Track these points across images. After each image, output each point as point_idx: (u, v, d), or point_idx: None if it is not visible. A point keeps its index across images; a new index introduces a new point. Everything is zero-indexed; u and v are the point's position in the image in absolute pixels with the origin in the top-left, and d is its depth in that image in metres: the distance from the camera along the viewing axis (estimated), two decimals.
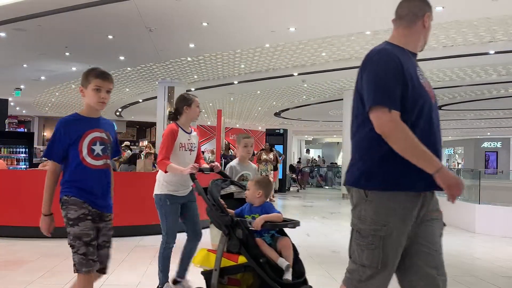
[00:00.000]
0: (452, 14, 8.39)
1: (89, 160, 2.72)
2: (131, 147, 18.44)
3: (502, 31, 9.34)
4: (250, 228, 2.97)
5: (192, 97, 4.01)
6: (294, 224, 3.03)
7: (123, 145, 18.75)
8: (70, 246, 2.74)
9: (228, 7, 8.50)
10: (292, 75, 13.88)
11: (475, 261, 6.20)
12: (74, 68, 14.06)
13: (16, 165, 11.02)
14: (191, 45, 11.04)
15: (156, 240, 6.59)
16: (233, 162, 4.01)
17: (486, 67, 12.20)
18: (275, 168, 14.27)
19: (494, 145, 35.20)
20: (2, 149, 11.12)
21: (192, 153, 3.98)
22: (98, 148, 2.75)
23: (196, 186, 3.40)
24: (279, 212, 3.14)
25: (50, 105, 22.75)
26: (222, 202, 3.19)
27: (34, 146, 13.69)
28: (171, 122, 4.02)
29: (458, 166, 36.24)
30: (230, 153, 13.42)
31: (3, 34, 10.50)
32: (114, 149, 2.93)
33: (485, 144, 35.28)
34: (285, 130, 20.59)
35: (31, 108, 24.24)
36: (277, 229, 3.16)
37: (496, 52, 10.49)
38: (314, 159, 32.44)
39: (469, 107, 19.46)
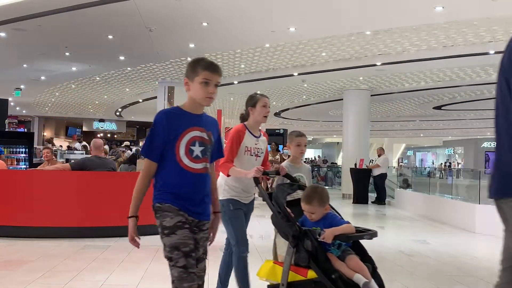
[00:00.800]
0: (452, 14, 8.39)
1: (186, 162, 2.37)
2: (131, 147, 18.43)
3: (502, 31, 9.33)
4: (319, 240, 2.67)
5: (257, 97, 3.63)
6: (371, 235, 2.72)
7: (123, 145, 18.79)
8: (167, 259, 2.38)
9: (228, 7, 8.50)
10: (292, 75, 13.87)
11: (475, 261, 6.18)
12: (74, 68, 14.06)
13: (16, 165, 11.02)
14: (191, 45, 11.03)
15: (156, 240, 6.60)
16: (284, 163, 3.66)
17: (486, 67, 12.19)
18: None
19: (494, 145, 35.18)
20: (2, 149, 11.11)
21: (258, 159, 3.58)
22: (197, 150, 2.40)
23: (260, 191, 3.11)
24: (348, 222, 2.82)
25: (50, 105, 22.75)
26: (289, 210, 2.89)
27: (34, 146, 13.68)
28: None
29: (458, 166, 36.25)
30: None
31: (3, 34, 10.50)
32: (215, 151, 2.55)
33: (485, 144, 35.25)
34: (285, 130, 20.58)
35: (31, 108, 24.24)
36: (351, 242, 2.82)
37: (496, 52, 10.48)
38: (314, 158, 32.43)
39: (469, 107, 19.46)
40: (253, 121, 3.63)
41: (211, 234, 2.58)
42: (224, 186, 3.47)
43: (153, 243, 6.35)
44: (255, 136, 3.60)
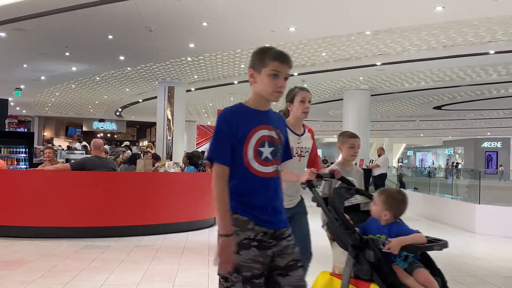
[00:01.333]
0: (452, 14, 8.39)
1: (255, 165, 2.11)
2: (131, 147, 18.43)
3: (502, 31, 9.33)
4: (383, 250, 2.42)
5: (295, 91, 3.31)
6: (441, 245, 2.48)
7: (123, 145, 18.79)
8: (221, 278, 2.09)
9: (228, 7, 8.50)
10: (292, 75, 13.87)
11: (475, 261, 6.19)
12: (74, 68, 14.06)
13: (16, 165, 11.02)
14: (191, 45, 11.03)
15: (156, 240, 6.62)
16: (334, 166, 3.38)
17: (486, 67, 12.19)
18: None
19: (494, 145, 35.21)
20: (2, 149, 11.11)
21: (302, 159, 3.30)
22: (266, 151, 2.13)
23: (314, 195, 2.83)
24: (417, 231, 2.55)
25: (50, 105, 22.75)
26: (347, 216, 2.64)
27: (34, 146, 13.68)
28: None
29: (458, 166, 36.24)
30: None
31: (3, 34, 10.50)
32: (285, 151, 2.28)
33: (485, 144, 35.29)
34: None
35: (31, 108, 24.24)
36: (419, 254, 2.57)
37: (496, 52, 10.48)
38: None
39: (469, 107, 19.46)
40: (293, 118, 3.30)
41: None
42: None
43: (153, 243, 6.37)
44: (296, 134, 3.29)
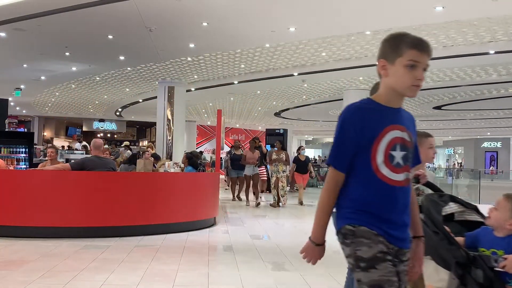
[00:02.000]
0: (452, 14, 8.39)
1: (385, 172, 1.82)
2: (130, 147, 18.42)
3: (502, 31, 9.34)
4: (496, 269, 2.07)
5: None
6: None
7: (123, 145, 18.77)
8: None
9: (228, 7, 8.50)
10: (292, 75, 13.87)
11: None
12: (74, 68, 14.06)
13: (16, 165, 11.02)
14: (191, 45, 11.04)
15: (156, 240, 6.61)
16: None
17: (486, 67, 12.20)
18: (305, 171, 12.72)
19: (494, 145, 35.23)
20: (2, 149, 11.12)
21: None
22: (398, 155, 1.85)
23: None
24: None
25: (50, 105, 22.76)
26: (448, 228, 2.30)
27: (34, 146, 13.68)
28: None
29: (458, 166, 36.25)
30: (240, 153, 12.69)
31: (3, 34, 10.50)
32: (415, 156, 1.99)
33: (485, 144, 35.29)
34: (285, 130, 20.58)
35: (31, 108, 24.24)
36: None
37: (496, 52, 10.49)
38: (314, 158, 32.44)
39: (469, 107, 19.47)
40: None
41: (414, 266, 1.97)
42: None
43: (153, 243, 6.37)
44: None
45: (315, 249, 1.88)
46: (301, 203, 12.18)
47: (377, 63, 1.92)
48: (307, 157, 13.33)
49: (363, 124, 1.81)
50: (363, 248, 1.78)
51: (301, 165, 12.69)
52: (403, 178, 1.85)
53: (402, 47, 1.85)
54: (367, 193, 1.82)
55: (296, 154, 13.85)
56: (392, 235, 1.81)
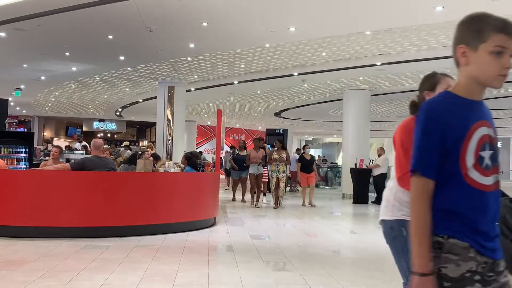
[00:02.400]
0: (452, 14, 8.39)
1: (475, 175, 1.59)
2: (130, 147, 18.42)
3: None
4: None
5: (437, 76, 2.59)
6: None
7: (123, 145, 18.78)
8: None
9: (228, 7, 8.51)
10: (292, 75, 13.88)
11: None
12: (74, 68, 14.06)
13: (16, 165, 11.02)
14: (191, 45, 11.04)
15: (156, 240, 6.62)
16: None
17: None
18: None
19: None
20: (2, 149, 11.12)
21: None
22: (487, 155, 1.61)
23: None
24: None
25: (50, 105, 22.76)
26: None
27: (34, 146, 13.69)
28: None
29: None
30: (244, 154, 12.50)
31: (3, 34, 10.50)
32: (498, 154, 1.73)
33: None
34: (285, 130, 20.58)
35: (31, 108, 24.24)
36: None
37: None
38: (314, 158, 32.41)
39: None
40: None
41: None
42: (393, 201, 2.58)
43: (153, 243, 6.37)
44: None
45: (426, 282, 1.53)
46: (312, 204, 12.02)
47: (454, 49, 1.68)
48: (312, 156, 13.26)
49: (449, 122, 1.57)
50: (451, 266, 1.55)
51: (307, 164, 12.43)
52: (493, 182, 1.63)
53: (486, 30, 1.63)
54: (457, 200, 1.59)
55: (295, 154, 13.84)
56: (487, 247, 1.58)
